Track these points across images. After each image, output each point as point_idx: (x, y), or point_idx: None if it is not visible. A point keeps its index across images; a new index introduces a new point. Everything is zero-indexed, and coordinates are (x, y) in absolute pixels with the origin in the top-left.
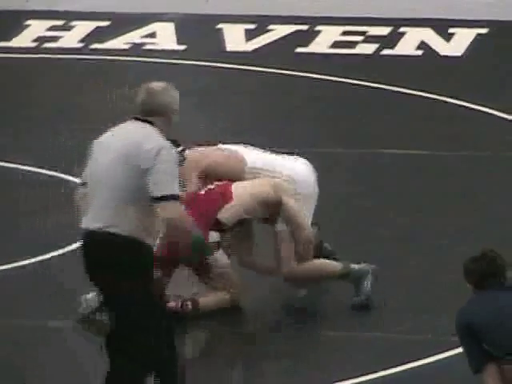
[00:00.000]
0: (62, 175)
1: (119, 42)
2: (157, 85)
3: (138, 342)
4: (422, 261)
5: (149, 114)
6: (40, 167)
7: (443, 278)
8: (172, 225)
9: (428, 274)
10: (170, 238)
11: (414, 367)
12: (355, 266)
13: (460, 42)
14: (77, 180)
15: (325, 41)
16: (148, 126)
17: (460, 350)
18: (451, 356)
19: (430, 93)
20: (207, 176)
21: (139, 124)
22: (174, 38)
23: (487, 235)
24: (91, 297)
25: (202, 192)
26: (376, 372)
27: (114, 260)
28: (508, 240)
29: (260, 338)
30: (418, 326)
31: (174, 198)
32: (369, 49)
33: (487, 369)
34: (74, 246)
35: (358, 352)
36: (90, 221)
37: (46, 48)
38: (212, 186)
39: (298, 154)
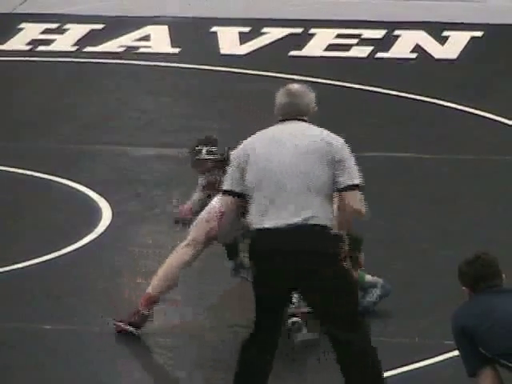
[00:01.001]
0: (47, 176)
1: (113, 45)
2: (297, 86)
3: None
4: (406, 264)
5: (296, 114)
6: (31, 170)
7: (428, 281)
8: (356, 213)
9: (413, 277)
10: (343, 223)
11: (403, 372)
12: (368, 277)
13: (454, 45)
14: (63, 181)
15: (319, 44)
16: (307, 124)
17: (448, 354)
18: (440, 361)
19: (425, 96)
20: None
21: (300, 123)
22: (168, 41)
23: (473, 238)
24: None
25: None
26: None
27: (323, 250)
28: (493, 243)
29: None
30: (404, 329)
31: (361, 189)
32: (363, 52)
33: (483, 372)
34: (69, 248)
35: None
36: (284, 217)
37: (39, 51)
38: None
39: None
